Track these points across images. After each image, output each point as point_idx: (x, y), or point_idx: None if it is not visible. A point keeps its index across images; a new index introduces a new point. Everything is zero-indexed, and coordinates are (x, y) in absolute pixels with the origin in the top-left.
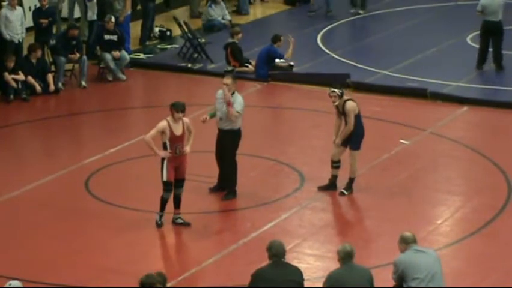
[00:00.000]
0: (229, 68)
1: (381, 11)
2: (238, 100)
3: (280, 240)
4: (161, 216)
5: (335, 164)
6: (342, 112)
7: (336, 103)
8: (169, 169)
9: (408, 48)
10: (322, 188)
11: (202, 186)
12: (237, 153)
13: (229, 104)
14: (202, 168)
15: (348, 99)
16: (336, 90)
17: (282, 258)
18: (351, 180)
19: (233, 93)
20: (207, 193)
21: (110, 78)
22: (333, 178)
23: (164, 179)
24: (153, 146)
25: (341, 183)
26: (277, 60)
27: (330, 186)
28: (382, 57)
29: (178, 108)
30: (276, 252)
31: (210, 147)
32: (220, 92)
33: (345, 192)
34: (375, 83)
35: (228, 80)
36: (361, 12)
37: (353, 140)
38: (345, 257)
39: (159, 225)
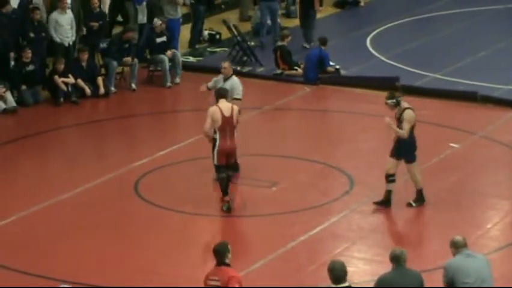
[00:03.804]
0: (278, 71)
1: (430, 14)
2: (238, 86)
3: (342, 261)
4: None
5: (391, 178)
6: (398, 119)
7: (395, 111)
8: None
9: (458, 51)
10: (378, 204)
11: (250, 190)
12: None
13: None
14: (252, 172)
15: (407, 108)
16: (388, 101)
17: (344, 281)
18: (419, 192)
19: (231, 76)
20: (255, 196)
21: (169, 83)
22: (388, 194)
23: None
24: None
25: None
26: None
27: (385, 203)
28: (431, 60)
29: None
30: (337, 276)
31: (262, 150)
32: (217, 78)
33: (413, 204)
34: (424, 86)
35: (225, 64)
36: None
37: (407, 152)
38: (394, 261)
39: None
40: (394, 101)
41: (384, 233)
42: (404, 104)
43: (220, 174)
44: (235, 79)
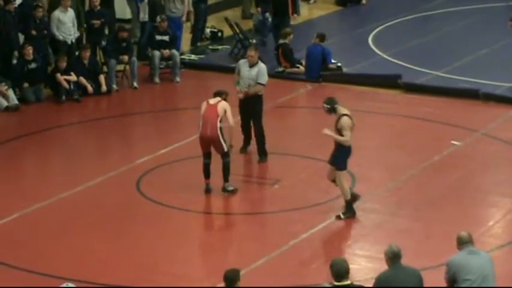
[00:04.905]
0: (280, 69)
1: (432, 12)
2: (264, 73)
3: (343, 258)
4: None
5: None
6: (335, 126)
7: (333, 116)
8: None
9: (460, 49)
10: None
11: (252, 188)
12: None
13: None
14: (255, 170)
15: (344, 115)
16: (324, 105)
17: (346, 279)
18: (347, 203)
19: (257, 63)
20: (257, 194)
21: (157, 80)
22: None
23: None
24: None
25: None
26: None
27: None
28: (434, 58)
29: None
30: (338, 272)
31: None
32: (242, 60)
33: (342, 216)
34: (426, 83)
35: (252, 52)
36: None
37: (338, 158)
38: (393, 258)
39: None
40: (329, 106)
41: (386, 230)
42: (342, 111)
43: (203, 159)
44: (262, 66)
